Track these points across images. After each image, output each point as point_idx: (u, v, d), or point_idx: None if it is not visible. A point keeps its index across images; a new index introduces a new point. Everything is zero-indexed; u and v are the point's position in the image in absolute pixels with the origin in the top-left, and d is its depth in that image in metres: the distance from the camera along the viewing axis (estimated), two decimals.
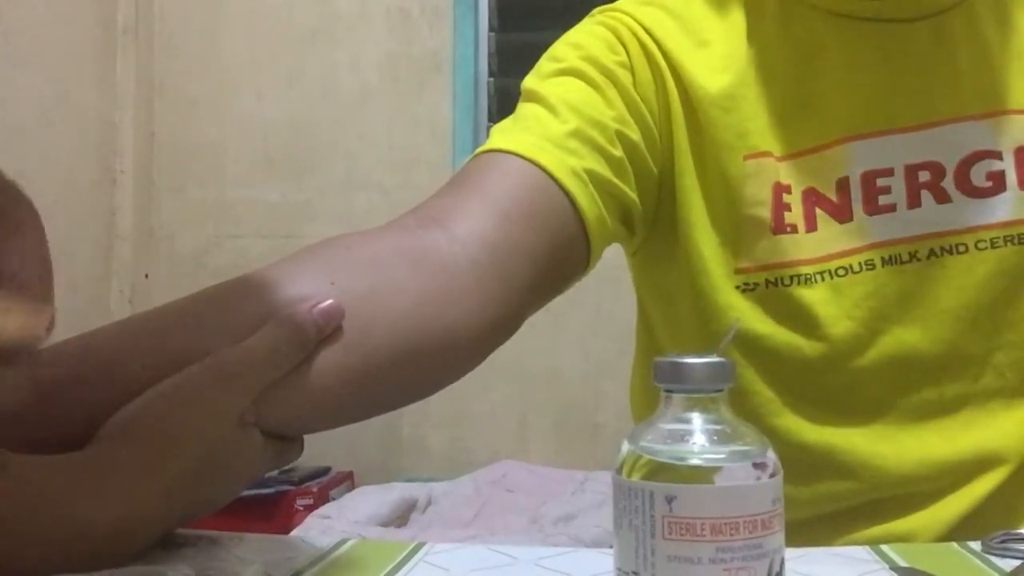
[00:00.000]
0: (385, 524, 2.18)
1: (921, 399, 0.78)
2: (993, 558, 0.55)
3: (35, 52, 2.52)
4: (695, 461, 0.42)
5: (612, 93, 0.78)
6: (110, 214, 2.77)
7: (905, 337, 0.78)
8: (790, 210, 0.78)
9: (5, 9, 2.42)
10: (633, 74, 0.80)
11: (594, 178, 0.74)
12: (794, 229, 0.78)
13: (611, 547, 0.44)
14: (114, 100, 2.82)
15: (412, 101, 2.79)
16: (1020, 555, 0.55)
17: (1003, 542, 0.56)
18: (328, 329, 0.58)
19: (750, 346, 0.78)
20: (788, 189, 0.78)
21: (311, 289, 0.59)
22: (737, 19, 0.82)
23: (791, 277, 0.77)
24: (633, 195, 0.77)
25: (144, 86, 2.87)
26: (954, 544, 0.58)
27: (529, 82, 0.81)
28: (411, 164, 2.77)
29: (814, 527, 0.78)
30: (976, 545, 0.57)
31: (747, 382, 0.79)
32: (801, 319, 0.77)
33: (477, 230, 0.68)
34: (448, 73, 2.78)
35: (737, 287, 0.78)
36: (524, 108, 0.79)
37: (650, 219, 0.81)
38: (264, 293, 0.59)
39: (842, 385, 0.78)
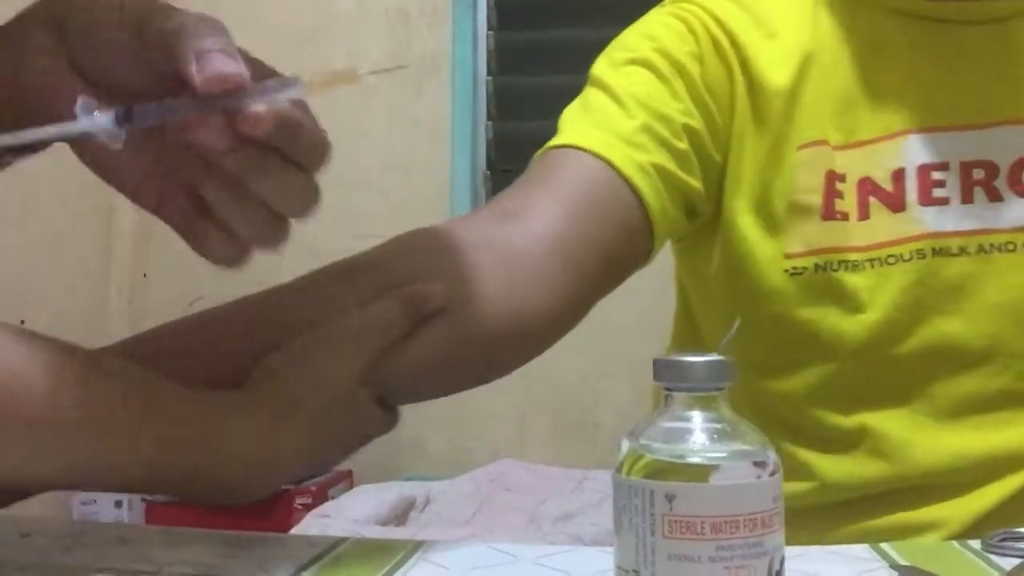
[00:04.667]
0: (384, 523, 2.18)
1: (959, 392, 0.79)
2: (993, 556, 0.55)
3: None
4: (695, 460, 0.42)
5: (679, 85, 0.81)
6: (109, 212, 2.77)
7: (947, 328, 0.79)
8: (842, 198, 0.80)
9: (3, 10, 2.41)
10: (702, 65, 0.82)
11: (660, 172, 0.77)
12: (845, 217, 0.80)
13: (611, 546, 0.44)
14: None
15: (411, 101, 2.79)
16: (1020, 553, 0.55)
17: (1003, 540, 0.56)
18: (433, 308, 0.64)
19: (793, 330, 0.80)
20: (842, 178, 0.80)
21: (412, 271, 0.66)
22: (805, 8, 0.84)
23: (839, 262, 0.79)
24: (698, 185, 0.80)
25: None
26: (954, 542, 0.58)
27: (599, 69, 0.84)
28: (410, 163, 2.77)
29: (843, 511, 0.80)
30: (976, 543, 0.57)
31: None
32: (845, 303, 0.79)
33: (550, 225, 0.72)
34: (447, 73, 2.78)
35: (785, 271, 0.80)
36: (593, 97, 0.82)
37: (713, 204, 0.83)
38: (374, 272, 0.66)
39: (880, 371, 0.80)
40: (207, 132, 0.48)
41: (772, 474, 0.42)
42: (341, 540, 0.58)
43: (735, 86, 0.82)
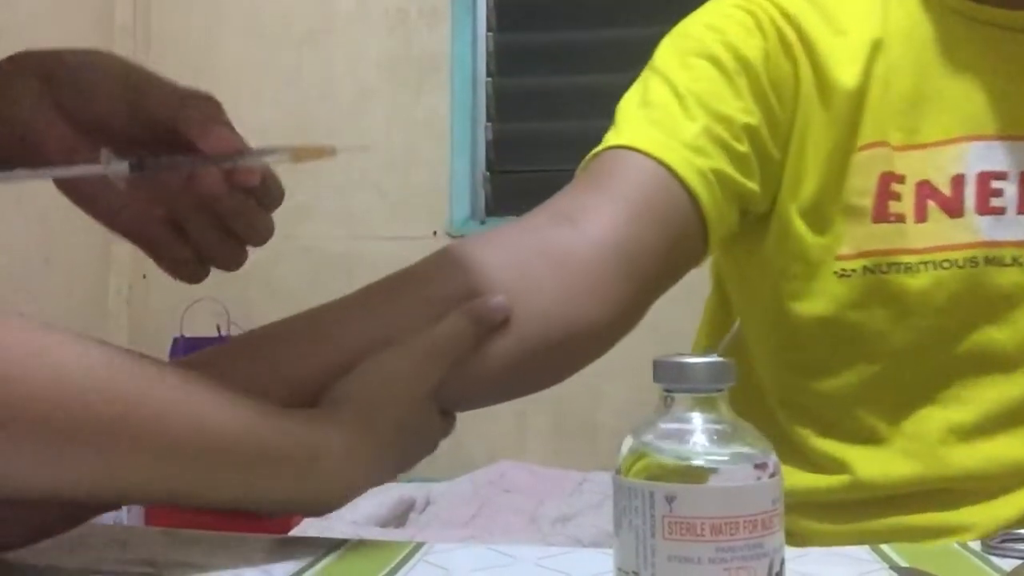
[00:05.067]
0: (384, 524, 2.18)
1: (999, 398, 0.79)
2: (993, 558, 0.55)
3: None
4: (695, 461, 0.42)
5: (742, 82, 0.79)
6: None
7: (995, 336, 0.79)
8: (899, 200, 0.79)
9: (2, 9, 2.41)
10: (768, 62, 0.80)
11: (719, 177, 0.76)
12: (900, 219, 0.79)
13: (610, 547, 0.44)
14: None
15: (410, 101, 2.79)
16: (1020, 555, 0.55)
17: (1003, 542, 0.56)
18: (498, 322, 0.66)
19: (838, 332, 0.81)
20: (901, 179, 0.79)
21: (466, 284, 0.67)
22: (872, 6, 0.82)
23: (889, 265, 0.79)
24: (755, 187, 0.79)
25: None
26: (954, 544, 0.58)
27: (661, 58, 0.83)
28: (409, 164, 2.77)
29: (874, 506, 0.81)
30: (976, 545, 0.57)
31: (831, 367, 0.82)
32: (894, 306, 0.79)
33: (607, 230, 0.72)
34: (446, 73, 2.78)
35: (835, 272, 0.80)
36: (654, 90, 0.81)
37: (768, 202, 0.82)
38: (428, 286, 0.68)
39: (923, 374, 0.80)
40: (210, 182, 0.59)
41: (772, 476, 0.42)
42: (341, 542, 0.58)
43: (801, 84, 0.80)
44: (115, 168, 0.59)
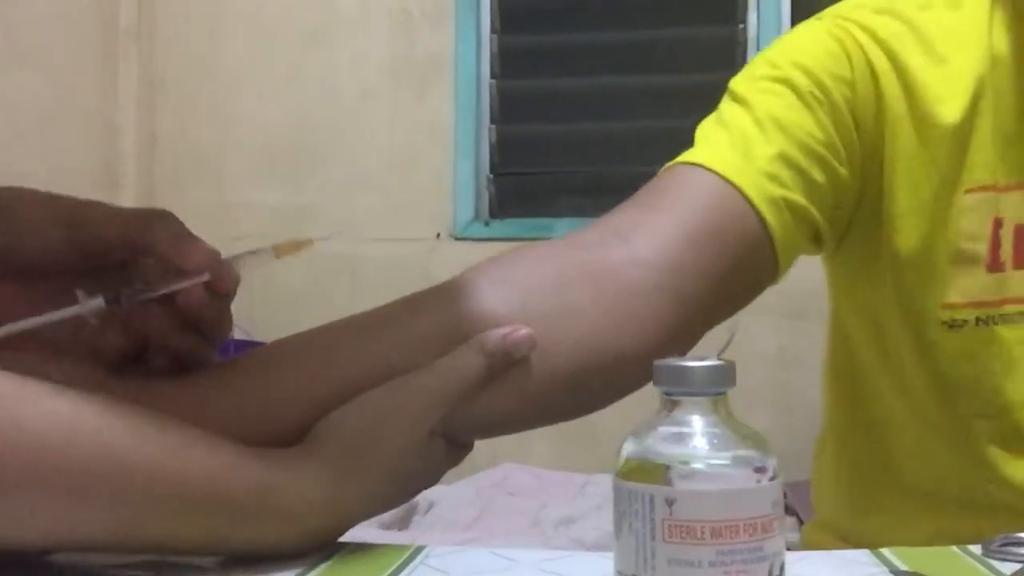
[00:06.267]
0: (387, 527, 2.18)
1: None
2: (993, 562, 0.55)
3: (36, 53, 2.53)
4: (695, 464, 0.42)
5: (822, 112, 0.76)
6: None
7: None
8: (1001, 246, 0.75)
9: (6, 9, 2.42)
10: (853, 92, 0.76)
11: (791, 206, 0.73)
12: (1001, 267, 0.75)
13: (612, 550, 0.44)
14: (116, 101, 2.82)
15: (413, 103, 2.79)
16: (1020, 559, 0.55)
17: (1003, 546, 0.56)
18: (519, 357, 0.62)
19: (953, 389, 0.78)
20: (1001, 223, 0.75)
21: (503, 308, 0.64)
22: (978, 27, 0.77)
23: (999, 316, 0.75)
24: (824, 221, 0.76)
25: (146, 87, 2.87)
26: (954, 548, 0.58)
27: (739, 84, 0.79)
28: (412, 166, 2.77)
29: None
30: (976, 549, 0.57)
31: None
32: (1001, 360, 0.76)
33: (660, 251, 0.68)
34: (450, 75, 2.78)
35: (944, 323, 0.76)
36: (730, 113, 0.78)
37: (838, 238, 0.80)
38: (460, 306, 0.64)
39: None
40: (195, 298, 0.58)
41: (772, 479, 0.42)
42: (342, 544, 0.58)
43: (889, 118, 0.76)
44: (91, 305, 0.56)
